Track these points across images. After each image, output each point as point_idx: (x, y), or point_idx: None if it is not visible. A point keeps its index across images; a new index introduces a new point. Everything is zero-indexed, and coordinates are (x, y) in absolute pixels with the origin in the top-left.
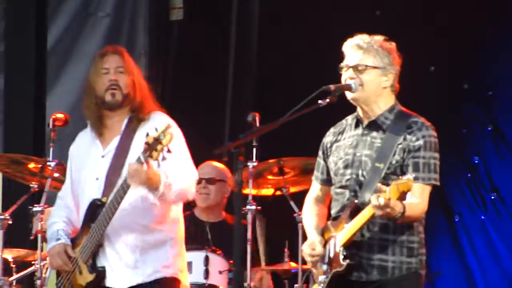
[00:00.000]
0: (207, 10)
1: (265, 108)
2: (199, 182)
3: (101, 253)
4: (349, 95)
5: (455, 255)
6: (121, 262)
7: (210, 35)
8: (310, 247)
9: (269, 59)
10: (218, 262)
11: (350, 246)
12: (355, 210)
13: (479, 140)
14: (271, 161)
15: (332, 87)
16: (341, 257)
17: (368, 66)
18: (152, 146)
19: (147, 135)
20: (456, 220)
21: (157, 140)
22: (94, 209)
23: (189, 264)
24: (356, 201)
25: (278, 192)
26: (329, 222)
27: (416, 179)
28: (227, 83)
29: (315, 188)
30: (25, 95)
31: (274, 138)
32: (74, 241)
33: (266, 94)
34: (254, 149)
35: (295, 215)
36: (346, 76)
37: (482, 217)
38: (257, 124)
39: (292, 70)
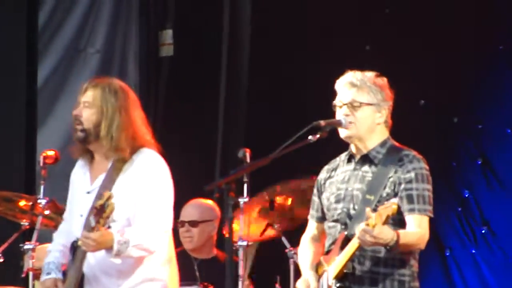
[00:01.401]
0: (198, 46)
1: (256, 144)
2: (182, 225)
3: None
4: (342, 133)
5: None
6: None
7: (201, 71)
8: (305, 284)
9: (260, 95)
10: None
11: (342, 278)
12: (345, 242)
13: (469, 173)
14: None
15: (322, 122)
16: None
17: (362, 103)
18: (99, 213)
19: (97, 199)
20: (447, 254)
21: (102, 208)
22: (74, 250)
23: None
24: (345, 233)
25: (269, 232)
26: (321, 258)
27: (412, 210)
28: (217, 119)
29: (311, 227)
30: (15, 132)
31: (266, 174)
32: (65, 274)
33: (257, 130)
34: (245, 185)
35: (286, 250)
36: (341, 114)
37: (473, 251)
38: (248, 160)
39: (283, 106)
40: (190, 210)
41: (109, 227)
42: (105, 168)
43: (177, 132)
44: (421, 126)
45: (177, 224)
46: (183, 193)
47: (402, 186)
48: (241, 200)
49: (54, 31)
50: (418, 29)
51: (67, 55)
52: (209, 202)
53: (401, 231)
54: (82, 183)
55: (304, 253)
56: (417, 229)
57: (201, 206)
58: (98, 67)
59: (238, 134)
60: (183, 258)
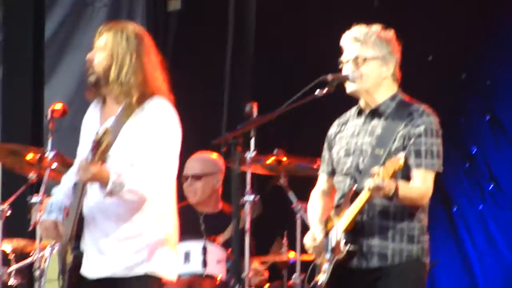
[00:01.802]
0: (205, 0)
1: (262, 98)
2: (185, 179)
3: (83, 237)
4: (349, 87)
5: (453, 245)
6: (95, 248)
7: (208, 25)
8: (311, 238)
9: (267, 48)
10: (216, 252)
11: (351, 232)
12: (354, 196)
13: (477, 129)
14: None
15: (329, 77)
16: (342, 242)
17: (367, 58)
18: (96, 147)
19: (96, 133)
20: (454, 210)
21: (99, 143)
22: (75, 186)
23: (187, 254)
24: (355, 186)
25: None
26: (331, 212)
27: (419, 165)
28: (224, 73)
29: (321, 181)
30: (23, 86)
31: (272, 128)
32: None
33: (264, 84)
34: (252, 140)
35: (293, 205)
36: (347, 70)
37: (480, 207)
38: (255, 115)
39: (290, 59)
40: (193, 164)
41: (103, 162)
42: (115, 112)
43: (184, 86)
44: (429, 82)
45: (181, 178)
46: (190, 148)
47: (411, 140)
48: (248, 155)
49: None
50: None
51: (74, 8)
52: (213, 155)
53: (400, 183)
54: (93, 124)
55: (313, 207)
56: (420, 185)
57: (204, 159)
58: (106, 21)
59: (245, 88)
60: (188, 213)
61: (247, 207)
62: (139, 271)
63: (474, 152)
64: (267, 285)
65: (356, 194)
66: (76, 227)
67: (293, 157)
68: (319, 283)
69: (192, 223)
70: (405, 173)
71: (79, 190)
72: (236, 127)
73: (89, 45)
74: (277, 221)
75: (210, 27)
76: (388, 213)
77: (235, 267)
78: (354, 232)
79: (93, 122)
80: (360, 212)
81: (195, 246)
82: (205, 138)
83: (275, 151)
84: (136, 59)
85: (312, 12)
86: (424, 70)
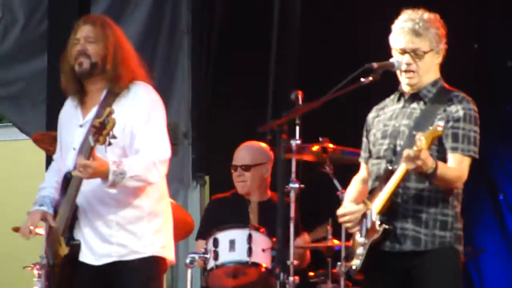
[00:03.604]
0: None
1: (308, 86)
2: (235, 169)
3: (77, 227)
4: (405, 82)
5: (499, 232)
6: (96, 236)
7: (253, 13)
8: (345, 208)
9: (313, 36)
10: (261, 240)
11: (386, 214)
12: (389, 177)
13: None
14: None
15: (375, 65)
16: (377, 223)
17: (426, 51)
18: (99, 130)
19: (95, 117)
20: (501, 198)
21: (102, 125)
22: (67, 182)
23: (232, 242)
24: (390, 167)
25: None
26: (365, 198)
27: (455, 149)
28: (269, 62)
29: (361, 169)
30: None
31: (318, 117)
32: (56, 211)
33: (309, 72)
34: (297, 127)
35: (338, 193)
36: (404, 62)
37: None
38: (300, 103)
39: (335, 48)
40: (243, 154)
41: (109, 143)
42: (98, 100)
43: (230, 74)
44: (474, 69)
45: (231, 168)
46: (237, 138)
47: (450, 124)
48: (293, 142)
49: None
50: None
51: None
52: (262, 144)
53: (440, 162)
54: (74, 118)
55: (349, 191)
56: (456, 167)
57: (253, 149)
58: (151, 9)
59: (290, 77)
60: (236, 201)
61: (292, 195)
62: (145, 252)
63: None
64: (312, 273)
65: (391, 175)
66: (71, 218)
67: (338, 145)
68: (353, 267)
69: (240, 212)
70: (441, 155)
71: (75, 184)
72: (281, 115)
73: (134, 34)
74: (323, 208)
75: (255, 17)
76: (422, 198)
77: (280, 255)
78: (388, 214)
79: (72, 117)
80: (394, 194)
81: (240, 234)
82: (252, 127)
83: (320, 139)
84: (123, 47)
85: (357, 2)
86: (469, 58)
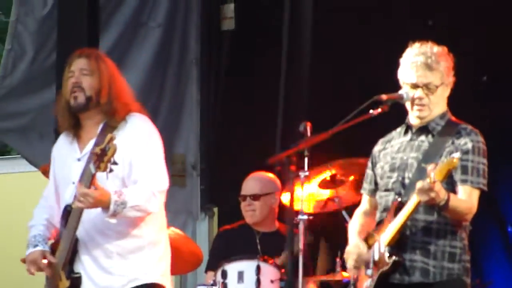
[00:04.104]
0: (259, 20)
1: (316, 118)
2: (243, 199)
3: (78, 259)
4: (414, 116)
5: (508, 264)
6: (97, 268)
7: (262, 45)
8: (356, 248)
9: (321, 69)
10: (269, 271)
11: (394, 246)
12: (398, 209)
13: None
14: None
15: (384, 96)
16: (387, 255)
17: (438, 85)
18: (100, 157)
19: (95, 146)
20: (509, 229)
21: (103, 151)
22: (67, 215)
23: (241, 274)
24: (399, 199)
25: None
26: (372, 230)
27: (465, 181)
28: (278, 93)
29: (364, 201)
30: None
31: (326, 148)
32: (54, 246)
33: (318, 104)
34: (306, 159)
35: (347, 224)
36: (417, 96)
37: None
38: (309, 134)
39: (344, 79)
40: (252, 184)
41: (111, 170)
42: (95, 133)
43: (238, 105)
44: (483, 102)
45: (239, 198)
46: (246, 168)
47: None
48: (302, 174)
49: (116, 4)
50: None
51: (128, 28)
52: (270, 175)
53: (452, 194)
54: (70, 153)
55: (353, 225)
56: (466, 199)
57: (262, 179)
58: (160, 41)
59: (299, 108)
60: (245, 232)
61: (301, 227)
62: (146, 280)
63: None
64: None
65: (400, 208)
66: (71, 252)
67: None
68: None
69: (248, 243)
70: (449, 187)
71: (75, 216)
72: (290, 146)
73: (142, 66)
74: (331, 240)
75: (264, 46)
76: (431, 230)
77: (289, 287)
78: (397, 246)
79: (68, 152)
80: (403, 227)
81: (249, 266)
82: (260, 157)
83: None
84: (117, 80)
85: (366, 32)
86: (478, 90)
